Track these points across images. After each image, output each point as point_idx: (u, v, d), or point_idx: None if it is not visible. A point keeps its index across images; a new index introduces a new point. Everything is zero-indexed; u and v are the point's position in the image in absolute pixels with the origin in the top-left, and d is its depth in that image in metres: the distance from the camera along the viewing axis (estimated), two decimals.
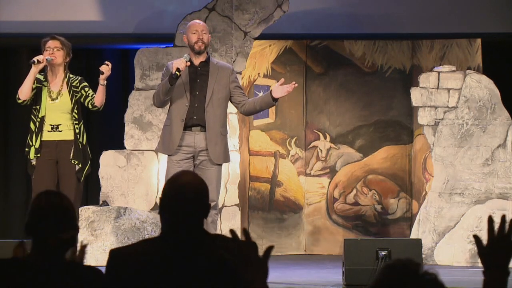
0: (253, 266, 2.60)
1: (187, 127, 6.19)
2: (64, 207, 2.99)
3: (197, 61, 6.23)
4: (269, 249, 2.64)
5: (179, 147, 6.19)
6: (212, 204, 6.17)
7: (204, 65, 6.25)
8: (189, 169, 6.16)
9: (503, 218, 2.49)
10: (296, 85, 6.30)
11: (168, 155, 6.27)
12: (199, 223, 2.84)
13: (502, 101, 7.66)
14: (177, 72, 6.02)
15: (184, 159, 6.19)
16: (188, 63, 6.13)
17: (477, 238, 2.54)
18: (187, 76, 6.17)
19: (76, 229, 3.02)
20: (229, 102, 6.33)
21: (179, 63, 6.07)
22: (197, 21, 6.40)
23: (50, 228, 2.92)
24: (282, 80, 6.24)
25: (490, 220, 2.53)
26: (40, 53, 6.41)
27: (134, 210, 7.43)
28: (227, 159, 6.28)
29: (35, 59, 6.30)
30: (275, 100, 6.18)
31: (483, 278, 2.48)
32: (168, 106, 6.31)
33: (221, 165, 6.25)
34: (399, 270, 2.20)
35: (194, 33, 6.25)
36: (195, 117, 6.19)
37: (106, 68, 6.33)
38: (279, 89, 6.15)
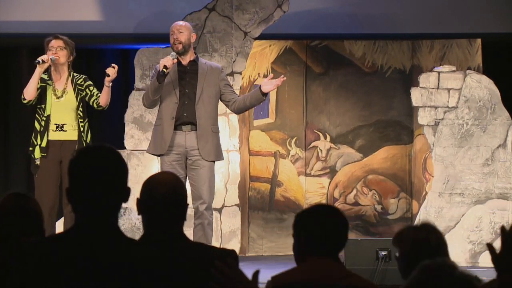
0: None
1: (177, 125, 6.20)
2: (30, 210, 2.94)
3: (185, 60, 6.29)
4: (256, 274, 2.61)
5: (170, 148, 6.19)
6: (205, 205, 6.16)
7: (192, 64, 6.32)
8: (182, 170, 6.16)
9: None
10: (285, 78, 6.35)
11: (161, 156, 6.25)
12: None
13: (502, 101, 7.66)
14: (164, 69, 6.07)
15: (175, 160, 6.20)
16: (175, 60, 6.18)
17: (490, 246, 2.59)
18: (175, 74, 6.21)
19: (42, 234, 2.96)
20: (219, 101, 6.35)
21: (166, 60, 6.12)
22: (177, 22, 6.45)
23: (12, 229, 2.88)
24: (271, 75, 6.30)
25: (503, 229, 2.58)
26: (43, 52, 6.41)
27: (134, 210, 7.42)
28: (219, 157, 6.27)
29: (39, 59, 6.30)
30: (264, 95, 6.21)
31: (498, 282, 2.50)
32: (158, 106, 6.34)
33: (213, 163, 6.24)
34: (435, 271, 2.19)
35: (172, 34, 6.35)
36: (185, 114, 6.20)
37: (112, 71, 6.34)
38: (268, 84, 6.19)
